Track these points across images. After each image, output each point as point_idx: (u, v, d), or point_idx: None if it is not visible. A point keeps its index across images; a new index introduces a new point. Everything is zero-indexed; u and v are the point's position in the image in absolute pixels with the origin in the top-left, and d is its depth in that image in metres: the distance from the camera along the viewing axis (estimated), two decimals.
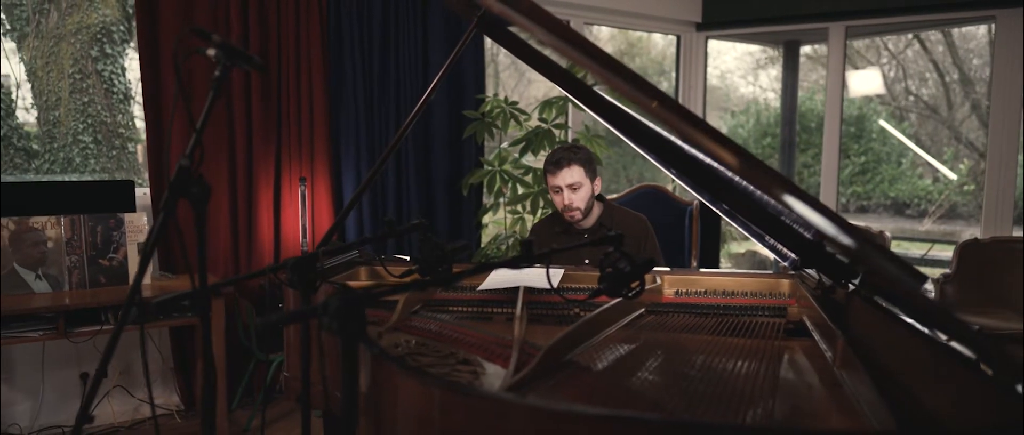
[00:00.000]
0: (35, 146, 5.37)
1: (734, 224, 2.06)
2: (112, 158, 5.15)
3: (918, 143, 11.63)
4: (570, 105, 4.02)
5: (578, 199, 2.62)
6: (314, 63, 3.63)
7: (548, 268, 1.55)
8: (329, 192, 3.73)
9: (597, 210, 2.75)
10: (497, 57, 7.45)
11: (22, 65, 5.31)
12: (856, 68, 11.27)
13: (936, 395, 1.23)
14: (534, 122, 3.92)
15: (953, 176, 8.98)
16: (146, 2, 3.28)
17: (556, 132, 3.83)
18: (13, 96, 5.35)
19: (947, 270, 4.31)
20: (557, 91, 3.30)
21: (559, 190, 2.63)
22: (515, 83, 8.00)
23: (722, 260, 7.78)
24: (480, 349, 1.59)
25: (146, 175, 3.58)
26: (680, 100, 5.20)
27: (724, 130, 13.89)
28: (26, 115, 5.38)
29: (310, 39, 3.61)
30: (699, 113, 5.18)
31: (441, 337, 1.69)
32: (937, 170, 9.47)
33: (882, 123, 9.94)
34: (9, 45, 5.37)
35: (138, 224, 3.15)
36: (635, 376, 1.48)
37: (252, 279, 2.29)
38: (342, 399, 1.08)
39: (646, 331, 1.77)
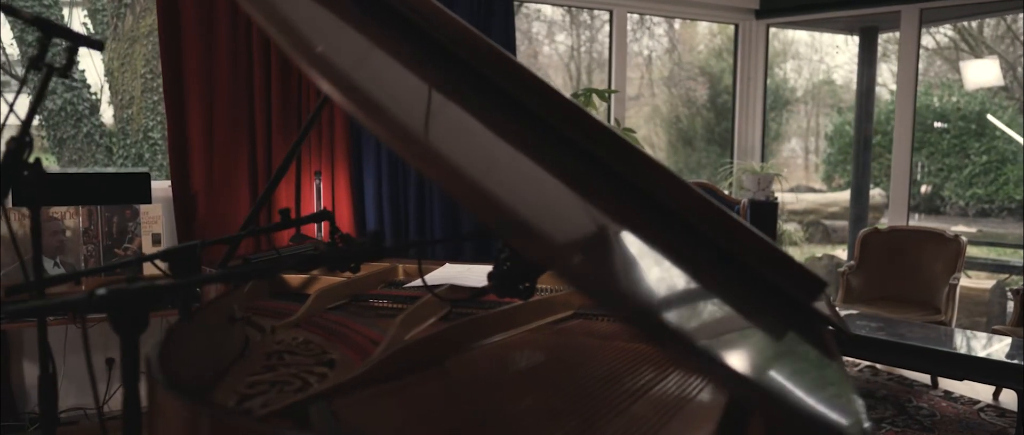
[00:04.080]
0: (105, 142, 5.70)
1: None
2: None
3: None
4: (595, 98, 3.84)
5: None
6: None
7: (420, 265, 1.43)
8: (349, 187, 3.73)
9: None
10: (520, 49, 7.32)
11: (103, 66, 5.66)
12: (977, 57, 10.33)
13: None
14: None
15: None
16: (169, 7, 3.39)
17: None
18: (98, 96, 5.71)
19: None
20: (580, 85, 3.15)
21: None
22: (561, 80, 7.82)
23: None
24: (359, 350, 1.49)
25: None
26: (738, 97, 4.88)
27: (830, 128, 13.06)
28: (105, 114, 5.73)
29: None
30: (759, 110, 4.84)
31: (334, 335, 1.60)
32: None
33: (990, 117, 9.04)
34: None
35: (153, 215, 3.24)
36: (503, 388, 1.34)
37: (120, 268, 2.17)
38: (123, 405, 1.01)
39: (560, 335, 1.62)
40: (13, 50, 5.66)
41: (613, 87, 4.50)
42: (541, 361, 1.48)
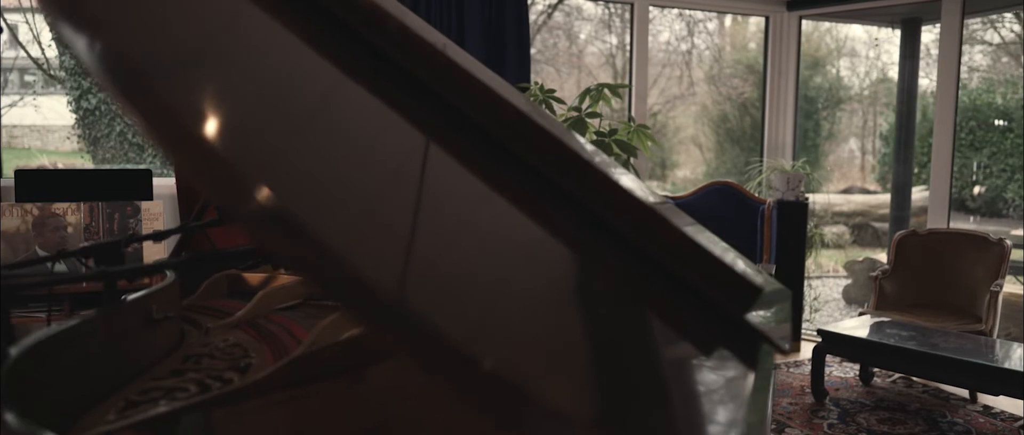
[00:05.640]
0: (137, 140, 5.80)
1: None
2: None
3: None
4: (608, 92, 3.69)
5: None
6: None
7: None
8: None
9: None
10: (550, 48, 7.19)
11: None
12: None
13: None
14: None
15: None
16: None
17: (590, 121, 3.54)
18: None
19: None
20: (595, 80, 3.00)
21: None
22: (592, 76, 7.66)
23: (831, 265, 7.03)
24: (282, 353, 1.40)
25: None
26: (768, 92, 4.67)
27: (884, 128, 12.67)
28: None
29: None
30: (791, 107, 4.63)
31: (266, 338, 1.52)
32: None
33: None
34: None
35: (155, 212, 3.24)
36: (421, 399, 1.24)
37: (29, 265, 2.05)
38: None
39: None
40: (51, 51, 5.81)
41: (634, 82, 4.35)
42: None
